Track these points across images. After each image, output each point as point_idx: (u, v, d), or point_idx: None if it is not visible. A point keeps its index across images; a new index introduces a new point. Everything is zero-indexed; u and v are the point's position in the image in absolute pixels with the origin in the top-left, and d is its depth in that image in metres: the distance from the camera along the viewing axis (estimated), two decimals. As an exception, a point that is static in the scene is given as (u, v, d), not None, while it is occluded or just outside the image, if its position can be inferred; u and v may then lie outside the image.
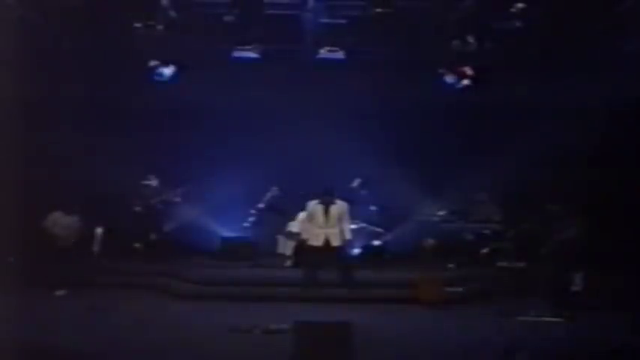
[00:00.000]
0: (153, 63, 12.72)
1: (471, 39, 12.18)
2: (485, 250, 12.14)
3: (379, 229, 12.89)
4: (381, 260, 12.53)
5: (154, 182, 13.06)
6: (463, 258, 12.28)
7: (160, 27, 11.60)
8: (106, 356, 7.91)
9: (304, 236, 11.75)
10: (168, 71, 12.90)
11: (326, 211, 11.35)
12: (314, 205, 11.50)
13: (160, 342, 8.49)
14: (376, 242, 12.86)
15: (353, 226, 12.80)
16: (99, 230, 10.54)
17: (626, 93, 12.23)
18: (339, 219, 11.35)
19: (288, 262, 12.39)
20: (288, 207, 12.81)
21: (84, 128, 13.03)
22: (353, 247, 12.37)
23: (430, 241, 10.96)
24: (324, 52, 12.37)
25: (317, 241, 11.33)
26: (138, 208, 12.84)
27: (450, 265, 12.18)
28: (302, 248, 11.91)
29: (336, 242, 11.28)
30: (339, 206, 11.44)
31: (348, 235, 11.39)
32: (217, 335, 8.77)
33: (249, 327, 8.83)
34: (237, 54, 12.41)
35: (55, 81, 13.08)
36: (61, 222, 11.57)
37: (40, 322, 9.03)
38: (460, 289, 11.40)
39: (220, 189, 13.22)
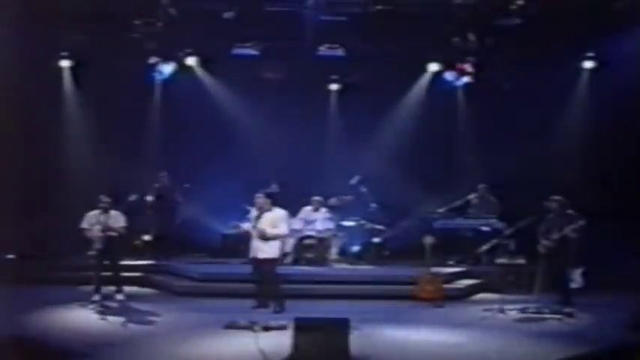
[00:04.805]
0: (153, 60, 12.73)
1: (471, 36, 12.20)
2: (484, 247, 12.14)
3: (379, 226, 12.89)
4: (381, 257, 12.57)
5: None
6: (463, 255, 12.30)
7: (159, 24, 11.62)
8: (104, 353, 7.94)
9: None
10: (168, 68, 12.91)
11: (258, 219, 9.85)
12: (252, 212, 10.17)
13: (159, 339, 8.52)
14: (376, 239, 12.86)
15: (351, 224, 12.84)
16: (98, 228, 10.48)
17: (627, 87, 12.23)
18: (272, 228, 9.75)
19: (288, 259, 12.39)
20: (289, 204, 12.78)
21: (83, 127, 13.05)
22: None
23: (430, 238, 10.93)
24: (323, 49, 12.39)
25: (252, 253, 9.98)
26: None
27: (450, 262, 12.19)
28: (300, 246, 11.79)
29: (262, 254, 9.74)
30: (274, 214, 9.84)
31: (273, 232, 9.68)
32: (217, 332, 8.79)
33: (249, 324, 8.83)
34: (237, 51, 12.44)
35: (55, 80, 13.11)
36: (98, 220, 10.45)
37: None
38: (460, 286, 11.43)
39: (220, 186, 13.19)
